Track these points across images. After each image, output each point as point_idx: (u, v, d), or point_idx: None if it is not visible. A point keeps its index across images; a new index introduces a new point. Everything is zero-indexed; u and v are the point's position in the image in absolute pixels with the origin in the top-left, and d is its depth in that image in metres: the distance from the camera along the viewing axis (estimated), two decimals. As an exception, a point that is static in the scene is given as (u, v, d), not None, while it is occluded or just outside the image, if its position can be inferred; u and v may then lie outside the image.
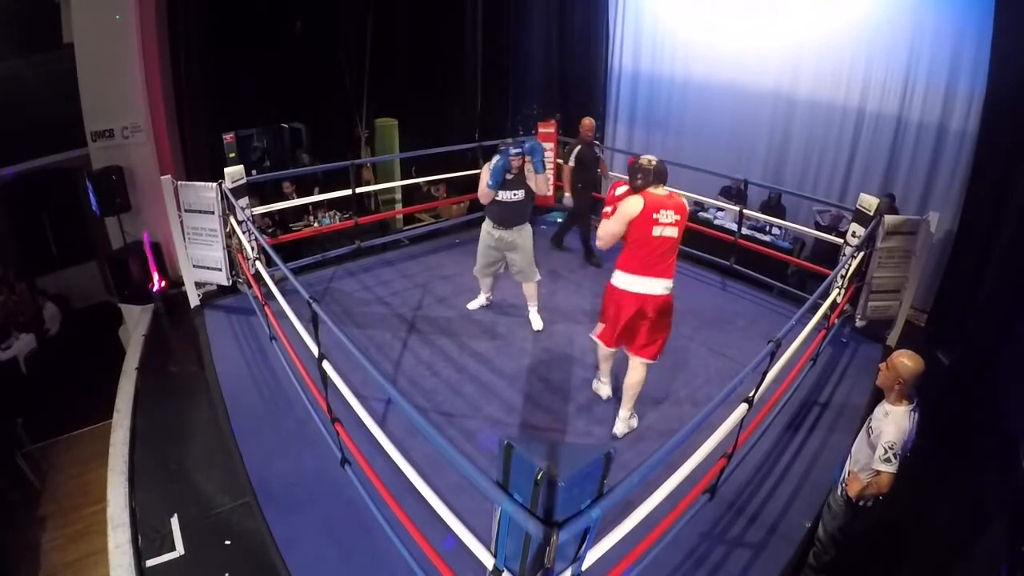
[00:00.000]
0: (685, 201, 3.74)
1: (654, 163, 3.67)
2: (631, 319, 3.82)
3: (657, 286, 3.73)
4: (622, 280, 3.78)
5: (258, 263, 5.34)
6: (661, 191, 3.67)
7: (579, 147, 6.29)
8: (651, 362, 3.97)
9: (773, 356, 3.23)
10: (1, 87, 7.32)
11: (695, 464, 2.86)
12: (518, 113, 9.24)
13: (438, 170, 7.49)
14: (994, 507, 3.73)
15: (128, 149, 6.66)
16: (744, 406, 3.16)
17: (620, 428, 4.11)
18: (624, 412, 4.10)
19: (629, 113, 8.79)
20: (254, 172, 7.02)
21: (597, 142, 6.42)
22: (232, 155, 7.87)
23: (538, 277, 5.25)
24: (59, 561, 5.21)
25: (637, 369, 3.99)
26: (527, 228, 5.03)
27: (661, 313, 3.81)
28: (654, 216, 3.60)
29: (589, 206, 6.61)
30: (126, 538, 3.38)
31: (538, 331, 5.34)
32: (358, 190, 6.58)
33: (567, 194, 6.45)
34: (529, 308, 5.43)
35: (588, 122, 6.29)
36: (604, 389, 4.49)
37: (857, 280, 5.23)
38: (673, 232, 3.66)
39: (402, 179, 8.89)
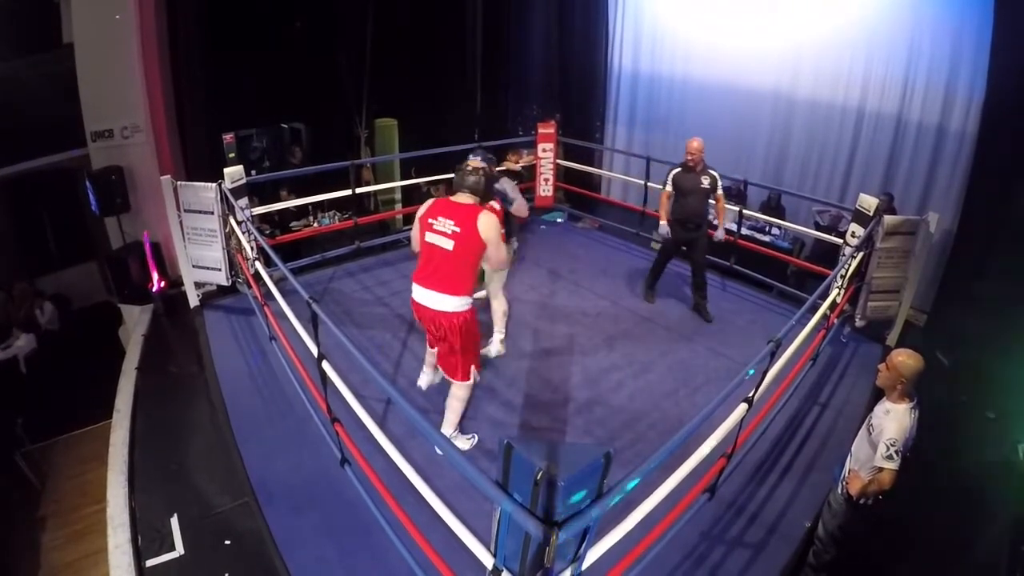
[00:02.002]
0: (485, 220, 3.38)
1: (464, 169, 3.53)
2: (424, 326, 3.69)
3: (430, 299, 3.48)
4: (413, 286, 3.61)
5: (257, 263, 5.34)
6: (460, 198, 3.49)
7: (675, 171, 5.40)
8: (457, 381, 3.72)
9: (773, 356, 3.23)
10: (1, 87, 7.31)
11: (695, 464, 2.87)
12: (518, 113, 9.26)
13: (438, 170, 7.48)
14: (994, 507, 3.73)
15: (128, 149, 6.67)
16: (744, 406, 3.16)
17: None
18: (445, 429, 3.86)
19: (629, 113, 8.79)
20: (253, 172, 7.03)
21: (712, 169, 5.33)
22: (232, 155, 7.87)
23: (503, 304, 4.84)
24: (59, 561, 5.20)
25: (451, 387, 3.78)
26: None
27: (443, 330, 3.53)
28: (429, 220, 3.44)
29: (674, 244, 5.60)
30: (126, 538, 3.38)
31: (496, 356, 4.88)
32: (358, 190, 6.59)
33: (662, 222, 5.55)
34: (494, 333, 4.92)
35: (691, 144, 5.27)
36: (422, 378, 4.39)
37: (857, 280, 5.24)
38: (446, 244, 3.37)
39: (402, 179, 8.90)
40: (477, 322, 3.68)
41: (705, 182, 5.29)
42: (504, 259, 3.57)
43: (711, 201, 5.40)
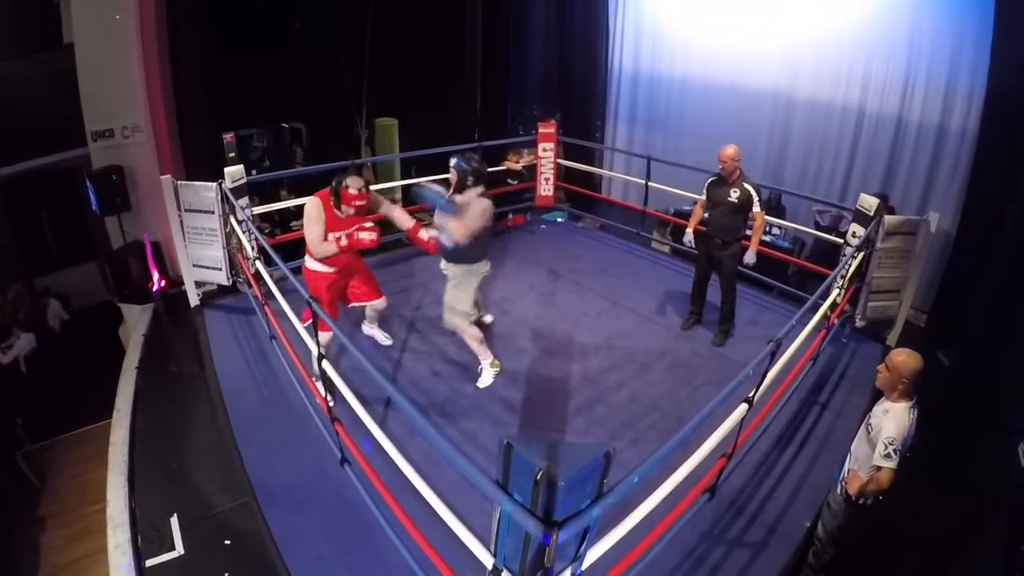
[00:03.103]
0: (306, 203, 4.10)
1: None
2: None
3: None
4: None
5: (258, 263, 5.35)
6: None
7: (710, 179, 5.04)
8: None
9: (773, 356, 3.23)
10: (1, 87, 7.31)
11: (695, 464, 2.87)
12: (518, 113, 9.25)
13: (438, 170, 7.46)
14: (993, 506, 3.73)
15: (128, 149, 6.65)
16: (744, 406, 3.16)
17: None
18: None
19: (629, 113, 8.78)
20: (254, 172, 7.02)
21: (750, 182, 4.85)
22: (232, 155, 7.86)
23: (468, 332, 4.51)
24: (59, 561, 5.21)
25: None
26: (456, 268, 4.36)
27: None
28: None
29: (705, 258, 5.26)
30: (126, 538, 3.38)
31: (481, 388, 4.63)
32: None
33: (688, 230, 5.28)
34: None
35: (722, 152, 4.82)
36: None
37: (857, 280, 5.23)
38: None
39: (402, 179, 8.88)
40: (314, 281, 4.17)
41: (733, 195, 4.82)
42: (312, 242, 4.02)
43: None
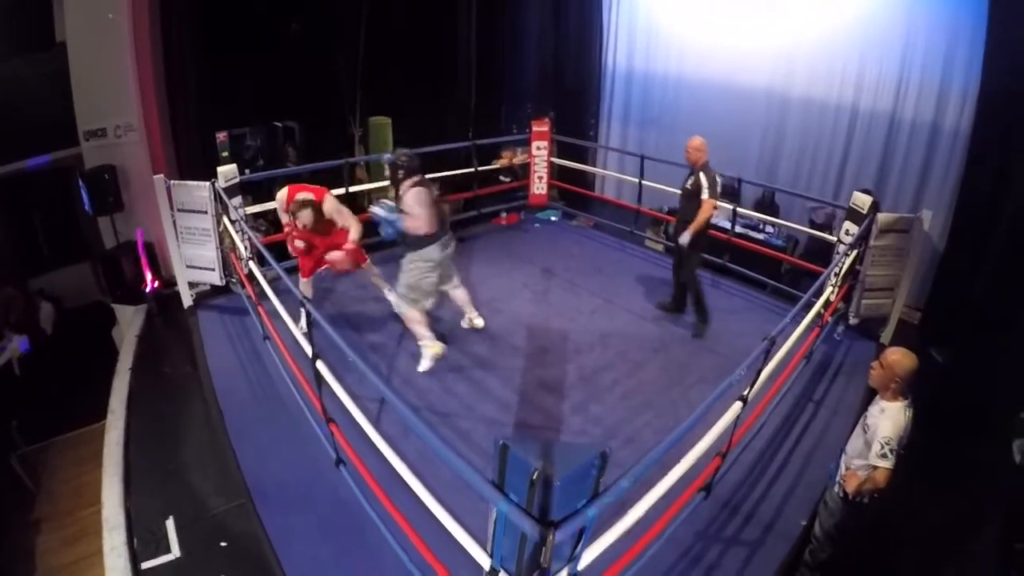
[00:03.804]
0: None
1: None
2: None
3: None
4: None
5: (251, 263, 5.32)
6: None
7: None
8: None
9: (767, 354, 3.24)
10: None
11: (690, 463, 2.87)
12: (512, 111, 9.24)
13: (432, 169, 7.44)
14: (988, 504, 3.75)
15: (121, 148, 6.63)
16: (738, 404, 3.17)
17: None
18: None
19: (623, 111, 8.78)
20: (247, 171, 6.99)
21: (707, 172, 4.97)
22: (225, 154, 7.82)
23: (403, 311, 4.73)
24: (54, 564, 5.17)
25: None
26: (405, 259, 4.57)
27: None
28: None
29: (676, 246, 5.37)
30: (121, 540, 3.37)
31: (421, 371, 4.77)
32: (351, 189, 6.57)
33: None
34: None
35: (689, 142, 5.08)
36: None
37: (851, 278, 5.25)
38: None
39: (396, 178, 8.87)
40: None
41: (688, 183, 5.11)
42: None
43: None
